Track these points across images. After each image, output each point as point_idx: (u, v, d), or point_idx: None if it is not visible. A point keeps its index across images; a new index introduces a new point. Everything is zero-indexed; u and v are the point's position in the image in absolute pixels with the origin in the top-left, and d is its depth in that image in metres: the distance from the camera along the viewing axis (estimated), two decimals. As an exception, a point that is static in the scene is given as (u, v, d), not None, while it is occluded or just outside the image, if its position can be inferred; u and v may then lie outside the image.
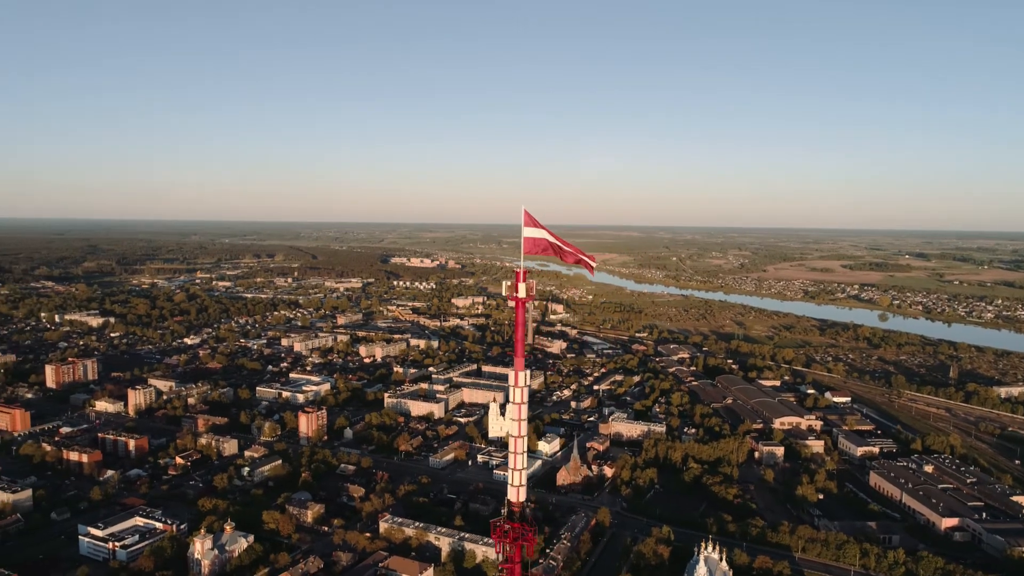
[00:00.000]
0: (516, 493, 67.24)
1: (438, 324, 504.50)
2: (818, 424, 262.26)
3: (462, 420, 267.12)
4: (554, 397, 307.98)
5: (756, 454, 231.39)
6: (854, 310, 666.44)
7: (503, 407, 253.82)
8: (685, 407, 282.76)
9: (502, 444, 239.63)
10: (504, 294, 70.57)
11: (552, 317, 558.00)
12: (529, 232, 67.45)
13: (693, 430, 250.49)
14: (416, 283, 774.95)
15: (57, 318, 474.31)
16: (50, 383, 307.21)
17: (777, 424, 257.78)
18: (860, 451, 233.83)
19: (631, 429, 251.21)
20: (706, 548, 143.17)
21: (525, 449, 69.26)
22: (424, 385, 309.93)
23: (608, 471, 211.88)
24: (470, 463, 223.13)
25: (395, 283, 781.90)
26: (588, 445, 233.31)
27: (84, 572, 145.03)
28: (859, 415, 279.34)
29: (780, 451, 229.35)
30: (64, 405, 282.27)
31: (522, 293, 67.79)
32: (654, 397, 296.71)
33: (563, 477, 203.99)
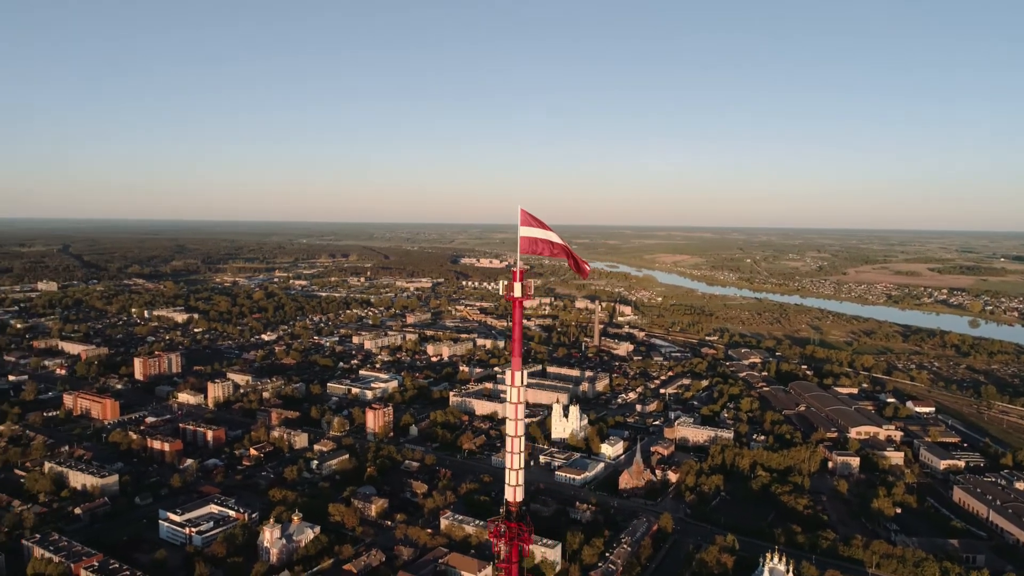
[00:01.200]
0: (513, 493, 67.21)
1: (505, 324, 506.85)
2: (898, 435, 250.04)
3: (525, 420, 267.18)
4: (619, 400, 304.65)
5: (829, 464, 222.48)
6: (941, 316, 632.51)
7: (566, 408, 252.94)
8: (755, 413, 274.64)
9: (566, 445, 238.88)
10: (501, 293, 70.20)
11: (620, 319, 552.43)
12: (526, 231, 66.97)
13: (762, 437, 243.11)
14: (484, 283, 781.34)
15: (146, 314, 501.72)
16: (138, 375, 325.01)
17: (853, 433, 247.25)
18: (943, 464, 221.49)
19: (697, 434, 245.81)
20: (772, 559, 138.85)
21: (522, 449, 69.15)
22: (489, 384, 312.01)
23: (672, 476, 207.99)
24: (532, 463, 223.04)
25: (464, 283, 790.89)
26: (652, 449, 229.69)
27: (162, 555, 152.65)
28: (943, 427, 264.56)
29: (855, 462, 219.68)
30: (150, 396, 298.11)
31: (517, 292, 67.43)
32: (722, 402, 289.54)
33: (625, 481, 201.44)
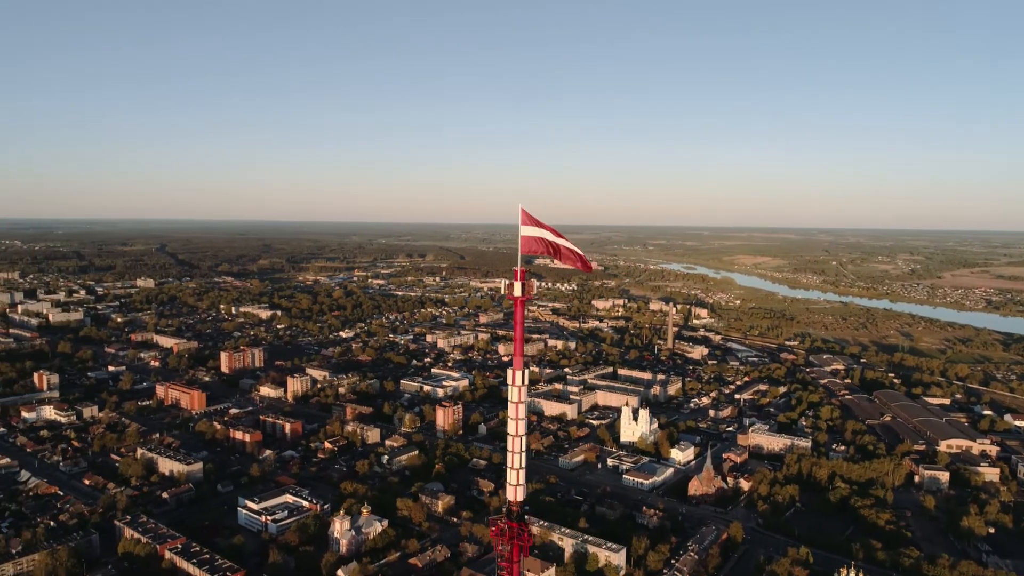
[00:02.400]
0: (514, 492, 66.77)
1: (577, 325, 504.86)
2: (994, 449, 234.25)
3: (594, 422, 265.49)
4: (691, 404, 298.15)
5: (916, 478, 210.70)
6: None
7: (636, 412, 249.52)
8: (835, 422, 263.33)
9: (634, 449, 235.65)
10: (503, 292, 69.29)
11: (695, 322, 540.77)
12: (526, 231, 66.03)
13: (843, 447, 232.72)
14: (558, 284, 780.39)
15: (233, 310, 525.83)
16: (224, 368, 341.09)
17: (943, 447, 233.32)
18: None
19: (773, 442, 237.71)
20: (849, 574, 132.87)
21: (523, 449, 68.48)
22: (558, 386, 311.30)
23: (744, 484, 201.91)
24: (599, 466, 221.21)
25: (537, 284, 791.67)
26: (725, 456, 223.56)
27: (240, 540, 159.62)
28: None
29: (945, 476, 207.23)
30: (234, 388, 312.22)
31: (518, 292, 66.54)
32: (801, 410, 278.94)
33: (695, 487, 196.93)
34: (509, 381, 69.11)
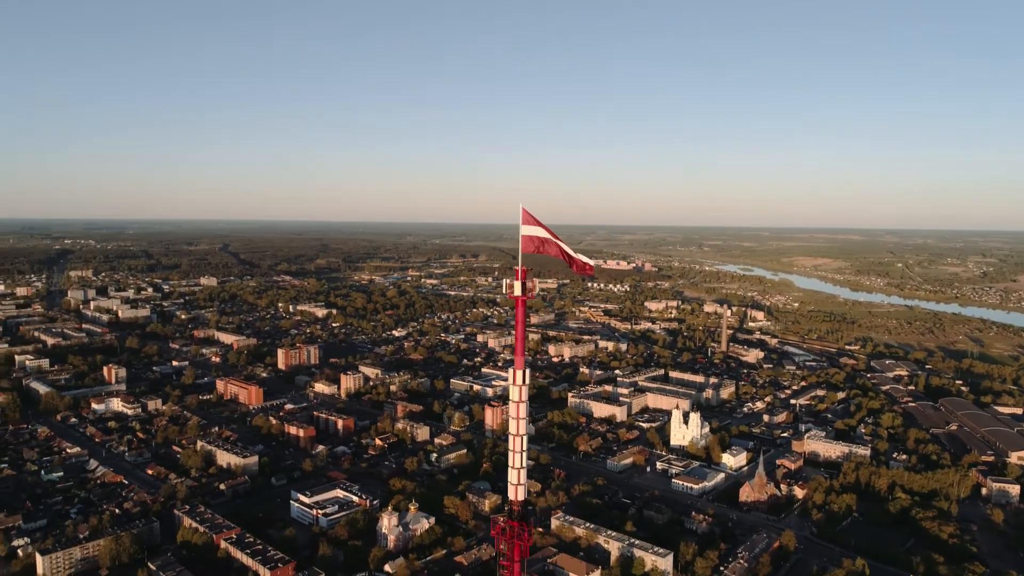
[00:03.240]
0: (515, 492, 66.41)
1: (629, 327, 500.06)
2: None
3: (644, 425, 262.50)
4: (745, 409, 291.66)
5: (983, 490, 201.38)
6: None
7: (687, 415, 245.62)
8: (897, 430, 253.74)
9: (684, 453, 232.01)
10: (504, 292, 68.99)
11: (751, 324, 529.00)
12: (527, 231, 65.39)
13: (904, 456, 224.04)
14: (610, 285, 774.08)
15: (291, 308, 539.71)
16: (281, 365, 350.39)
17: (1014, 458, 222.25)
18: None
19: (829, 449, 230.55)
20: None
21: (525, 448, 67.96)
22: (608, 387, 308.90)
23: (799, 492, 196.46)
24: (648, 469, 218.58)
25: (589, 285, 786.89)
26: (778, 462, 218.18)
27: (291, 533, 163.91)
28: None
29: (1015, 489, 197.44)
30: (290, 385, 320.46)
31: (518, 291, 66.36)
32: (860, 416, 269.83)
33: (746, 493, 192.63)
34: (510, 381, 69.08)
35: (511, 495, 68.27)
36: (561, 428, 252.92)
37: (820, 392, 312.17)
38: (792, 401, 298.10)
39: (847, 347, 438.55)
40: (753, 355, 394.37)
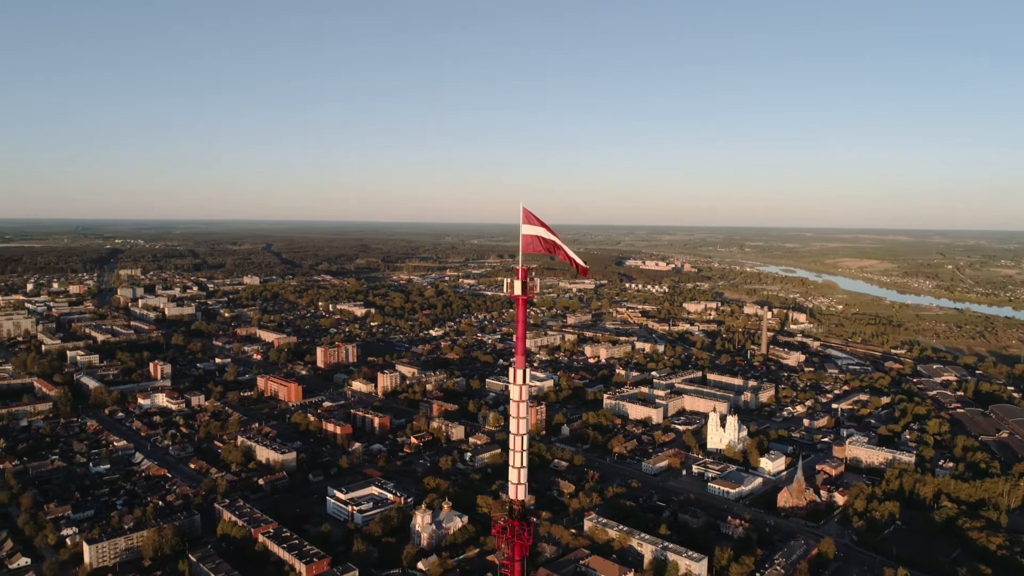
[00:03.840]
0: (515, 491, 66.07)
1: (667, 328, 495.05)
2: None
3: (680, 427, 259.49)
4: (784, 413, 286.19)
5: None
6: None
7: (724, 418, 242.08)
8: (944, 437, 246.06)
9: (721, 457, 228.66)
10: (504, 291, 68.70)
11: (792, 327, 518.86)
12: (527, 230, 64.86)
13: (951, 464, 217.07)
14: (648, 286, 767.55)
15: (331, 307, 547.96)
16: (320, 363, 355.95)
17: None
18: None
19: (872, 455, 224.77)
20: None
21: (525, 448, 67.41)
22: (645, 389, 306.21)
23: (839, 498, 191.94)
24: (684, 472, 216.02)
25: (627, 285, 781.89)
26: (818, 468, 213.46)
27: (327, 529, 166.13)
28: None
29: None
30: (328, 382, 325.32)
31: (518, 291, 65.82)
32: (905, 422, 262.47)
33: (784, 499, 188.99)
34: (510, 380, 69.00)
35: (511, 494, 68.48)
36: (596, 429, 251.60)
37: (863, 397, 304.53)
38: (834, 405, 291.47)
39: (893, 351, 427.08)
40: (794, 358, 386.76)
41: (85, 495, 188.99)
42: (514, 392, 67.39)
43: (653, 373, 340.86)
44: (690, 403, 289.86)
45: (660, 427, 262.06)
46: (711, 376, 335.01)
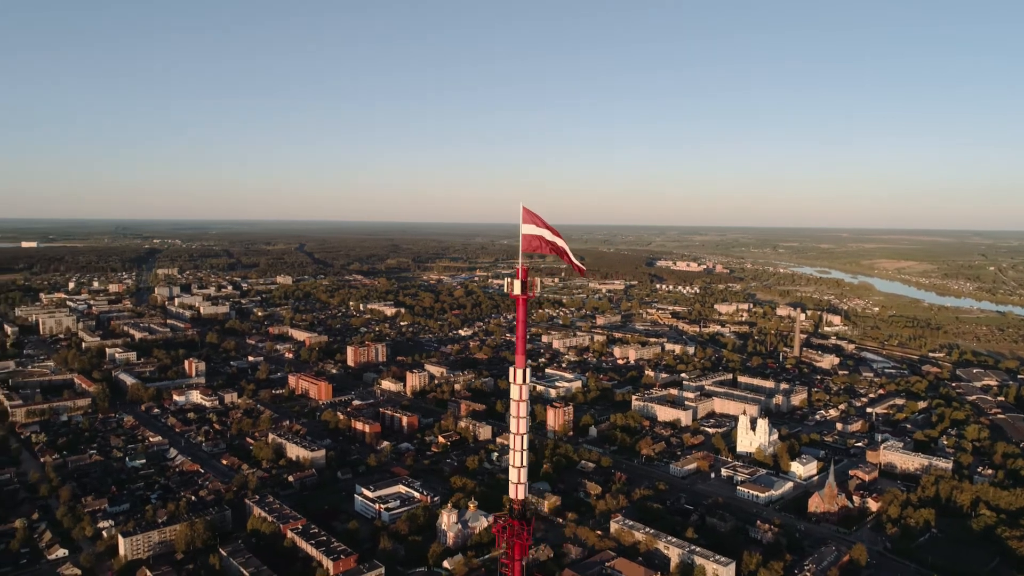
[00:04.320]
0: (515, 491, 65.64)
1: (697, 330, 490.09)
2: None
3: (710, 430, 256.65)
4: (817, 416, 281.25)
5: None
6: None
7: (754, 421, 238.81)
8: (983, 443, 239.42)
9: (751, 460, 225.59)
10: (505, 291, 68.61)
11: (826, 329, 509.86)
12: (527, 229, 64.24)
13: (990, 471, 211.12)
14: (679, 287, 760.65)
15: (361, 307, 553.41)
16: (350, 361, 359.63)
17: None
18: None
19: (907, 461, 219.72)
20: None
21: (525, 447, 66.89)
22: (674, 391, 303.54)
23: (872, 504, 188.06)
24: (712, 475, 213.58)
25: (658, 286, 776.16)
26: (851, 473, 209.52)
27: (354, 526, 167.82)
28: None
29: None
30: (358, 381, 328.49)
31: (518, 290, 65.23)
32: (942, 427, 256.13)
33: (816, 504, 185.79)
34: (511, 380, 68.81)
35: (511, 494, 68.38)
36: (624, 431, 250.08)
37: (899, 401, 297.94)
38: (868, 409, 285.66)
39: (931, 354, 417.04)
40: (828, 361, 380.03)
41: (121, 489, 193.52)
42: (514, 392, 67.34)
43: (683, 375, 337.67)
44: (720, 405, 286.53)
45: (689, 429, 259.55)
46: (742, 378, 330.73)
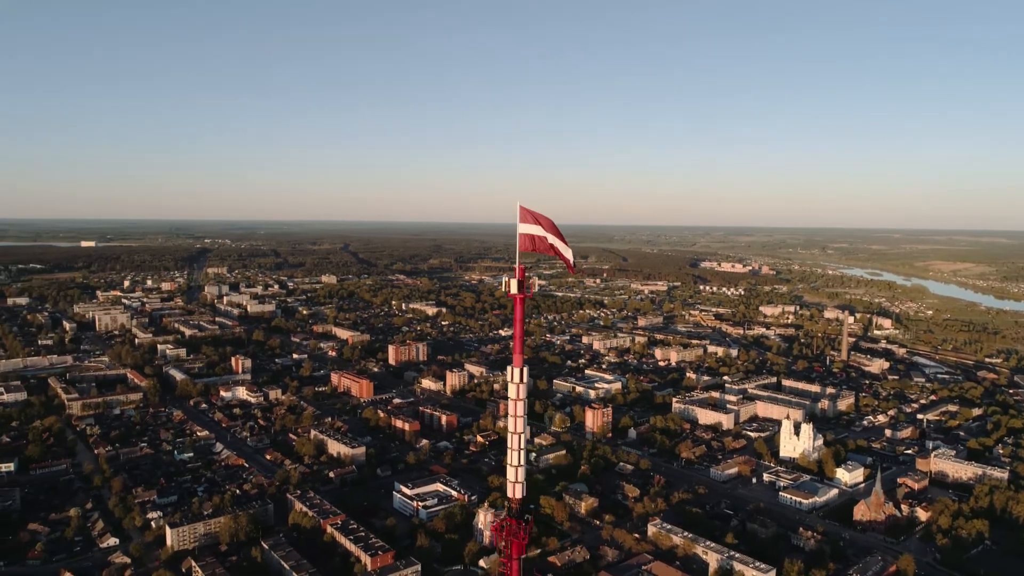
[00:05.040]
0: (513, 489, 64.97)
1: (741, 332, 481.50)
2: None
3: (752, 434, 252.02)
4: (864, 422, 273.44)
5: None
6: None
7: (798, 426, 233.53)
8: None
9: (795, 466, 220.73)
10: (503, 290, 67.72)
11: (876, 332, 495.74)
12: (524, 228, 63.13)
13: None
14: (723, 288, 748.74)
15: (403, 306, 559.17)
16: (391, 360, 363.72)
17: None
18: None
19: (960, 470, 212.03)
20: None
21: (523, 447, 66.07)
22: (715, 394, 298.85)
23: (922, 514, 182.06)
24: (754, 480, 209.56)
25: (701, 287, 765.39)
26: (900, 481, 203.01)
27: (392, 522, 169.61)
28: None
29: None
30: (398, 380, 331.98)
31: (514, 289, 64.38)
32: (998, 436, 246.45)
33: (861, 512, 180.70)
34: (508, 379, 68.37)
35: (509, 492, 68.22)
36: (664, 433, 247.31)
37: (952, 407, 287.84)
38: (919, 416, 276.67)
39: (987, 360, 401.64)
40: (877, 365, 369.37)
41: (169, 481, 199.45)
42: (511, 391, 67.19)
43: (725, 378, 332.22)
44: (763, 409, 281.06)
45: (731, 433, 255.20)
46: (786, 382, 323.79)
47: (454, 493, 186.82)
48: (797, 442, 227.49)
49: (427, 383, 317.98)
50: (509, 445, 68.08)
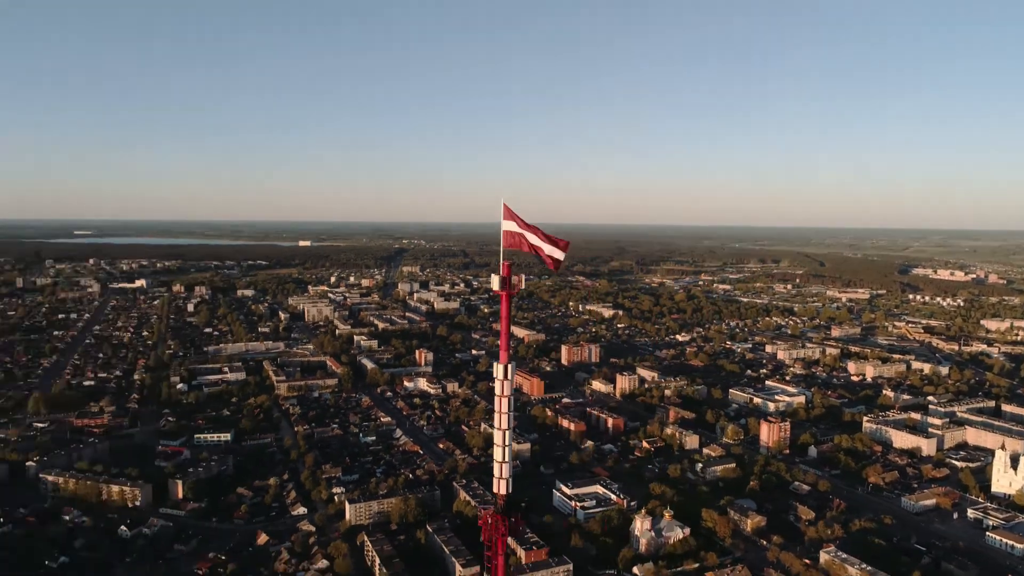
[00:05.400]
0: (498, 485, 64.78)
1: (955, 348, 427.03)
2: None
3: (958, 463, 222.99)
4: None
5: None
6: None
7: (1017, 458, 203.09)
8: None
9: (1009, 503, 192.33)
10: (497, 288, 63.84)
11: None
12: (507, 226, 58.74)
13: None
14: (938, 298, 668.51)
15: (580, 307, 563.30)
16: (563, 360, 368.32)
17: None
18: None
19: None
20: None
21: (509, 443, 64.00)
22: (916, 415, 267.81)
23: None
24: (955, 516, 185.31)
25: (910, 296, 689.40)
26: None
27: (549, 519, 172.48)
28: None
29: None
30: (569, 380, 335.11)
31: (495, 285, 60.61)
32: None
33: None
34: (495, 375, 66.79)
35: (494, 488, 67.59)
36: (849, 454, 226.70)
37: None
38: None
39: None
40: None
41: (354, 461, 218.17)
42: (498, 387, 67.08)
43: (930, 398, 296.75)
44: (974, 436, 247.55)
45: (931, 460, 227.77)
46: (1007, 407, 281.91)
47: (613, 496, 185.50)
48: (1014, 476, 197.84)
49: (597, 385, 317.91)
50: (495, 441, 69.26)
